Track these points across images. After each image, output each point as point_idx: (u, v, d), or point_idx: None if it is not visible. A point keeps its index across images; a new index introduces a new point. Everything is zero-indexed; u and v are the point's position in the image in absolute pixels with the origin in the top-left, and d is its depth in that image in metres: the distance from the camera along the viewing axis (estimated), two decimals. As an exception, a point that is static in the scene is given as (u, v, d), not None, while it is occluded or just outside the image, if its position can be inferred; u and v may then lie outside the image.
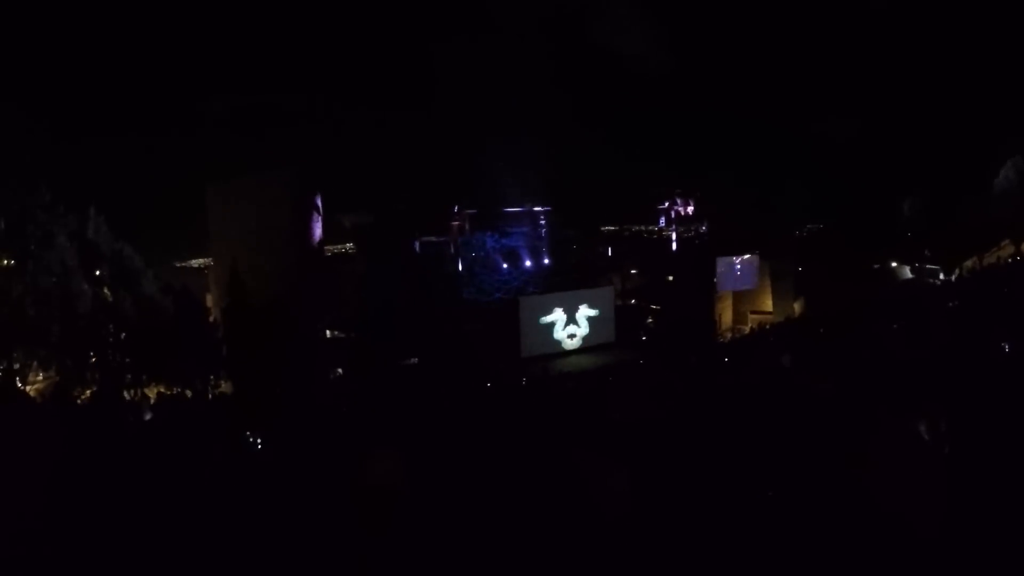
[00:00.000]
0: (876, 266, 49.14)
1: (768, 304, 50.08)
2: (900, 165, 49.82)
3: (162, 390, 33.05)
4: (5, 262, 34.80)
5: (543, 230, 51.56)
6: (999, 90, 45.85)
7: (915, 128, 50.06)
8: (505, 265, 48.84)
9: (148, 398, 27.84)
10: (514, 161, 49.48)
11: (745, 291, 50.17)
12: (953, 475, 4.28)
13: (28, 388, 31.30)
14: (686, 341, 37.56)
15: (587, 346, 43.43)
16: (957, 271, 42.37)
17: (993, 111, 45.98)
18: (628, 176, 58.44)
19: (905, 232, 49.42)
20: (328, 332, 42.69)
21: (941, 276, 44.52)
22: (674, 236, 52.49)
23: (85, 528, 4.73)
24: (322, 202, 43.70)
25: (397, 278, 41.72)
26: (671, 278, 49.70)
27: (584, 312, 43.76)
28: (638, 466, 4.56)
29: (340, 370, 39.37)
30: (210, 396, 32.31)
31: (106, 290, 36.67)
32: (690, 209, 52.84)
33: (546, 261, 50.34)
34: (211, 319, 39.40)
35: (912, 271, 48.19)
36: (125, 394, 29.30)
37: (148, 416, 10.98)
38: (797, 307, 48.27)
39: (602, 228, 56.79)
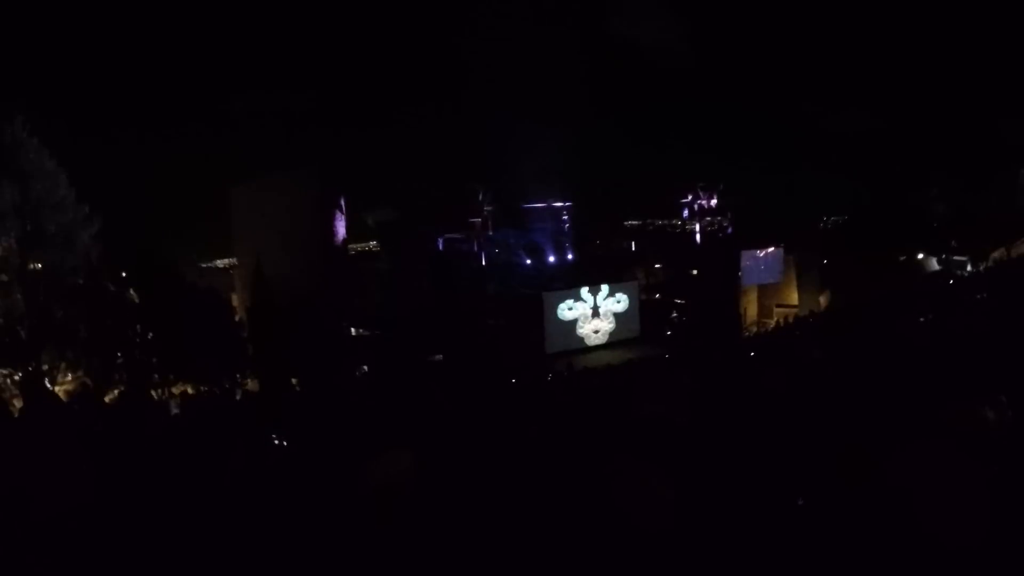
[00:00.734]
0: (902, 258, 48.60)
1: (794, 297, 49.68)
2: (925, 155, 49.31)
3: (189, 389, 33.35)
4: (31, 265, 35.19)
5: (566, 225, 51.54)
6: (1026, 78, 45.24)
7: (940, 118, 49.51)
8: (528, 261, 48.86)
9: (175, 396, 28.17)
10: (537, 156, 49.50)
11: (770, 285, 49.81)
12: (997, 480, 4.16)
13: (57, 389, 31.65)
14: (712, 336, 37.38)
15: (612, 341, 43.38)
16: (984, 262, 41.83)
17: (1020, 100, 45.36)
18: (651, 170, 58.41)
19: (931, 223, 48.85)
20: (353, 330, 42.87)
21: (968, 267, 43.98)
22: (698, 230, 52.19)
23: (114, 527, 4.75)
24: (345, 200, 43.87)
25: (421, 275, 41.81)
26: (695, 272, 49.45)
27: (609, 307, 43.70)
28: (677, 471, 4.49)
29: (365, 367, 39.51)
30: (237, 394, 32.50)
31: (132, 291, 36.97)
32: (713, 202, 52.57)
33: (569, 256, 50.31)
34: (237, 318, 39.67)
35: (939, 263, 47.63)
36: (153, 393, 29.65)
37: (175, 413, 11.06)
38: (823, 300, 47.85)
39: (625, 222, 56.59)
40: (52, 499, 4.87)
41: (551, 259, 49.54)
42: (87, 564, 4.38)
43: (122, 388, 31.30)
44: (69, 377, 33.66)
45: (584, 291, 43.13)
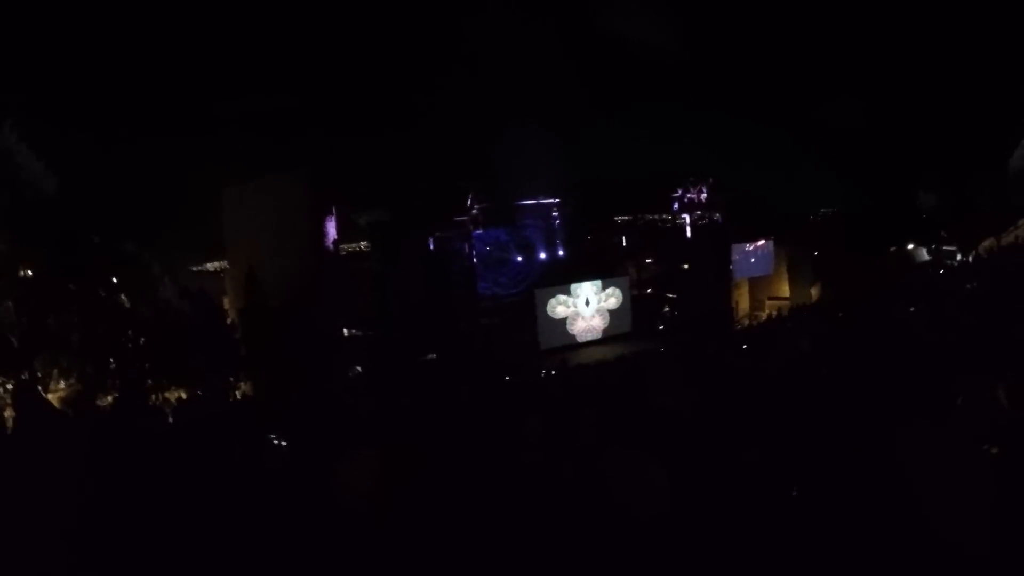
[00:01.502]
0: (892, 248, 48.78)
1: (785, 290, 49.85)
2: (914, 147, 49.33)
3: (182, 394, 33.28)
4: (22, 272, 35.05)
5: (557, 221, 51.54)
6: (1014, 71, 45.29)
7: (929, 109, 49.55)
8: (520, 258, 48.88)
9: (169, 402, 28.09)
10: (526, 153, 49.38)
11: (761, 277, 49.98)
12: (993, 469, 4.18)
13: (50, 396, 31.55)
14: (704, 329, 37.48)
15: (604, 337, 43.49)
16: (974, 252, 42.01)
17: (1008, 91, 45.44)
18: (640, 165, 58.14)
19: (920, 214, 49.03)
20: (345, 330, 42.83)
21: (959, 257, 44.17)
22: (688, 224, 52.26)
23: (108, 533, 4.75)
24: (337, 201, 43.78)
25: (413, 274, 41.79)
26: (687, 266, 49.55)
27: (600, 302, 43.80)
28: (676, 461, 4.50)
29: (359, 368, 39.48)
30: (230, 397, 32.50)
31: (123, 296, 36.86)
32: (703, 196, 52.58)
33: (561, 252, 50.34)
34: (228, 321, 39.61)
35: (929, 253, 47.83)
36: (145, 398, 29.55)
37: (169, 420, 11.03)
38: (814, 292, 48.02)
39: (616, 218, 56.57)
40: (48, 506, 4.88)
41: (542, 255, 49.58)
42: (84, 569, 4.39)
43: (115, 394, 31.26)
44: (62, 384, 33.55)
45: (575, 287, 43.17)
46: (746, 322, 46.22)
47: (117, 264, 38.22)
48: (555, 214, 51.66)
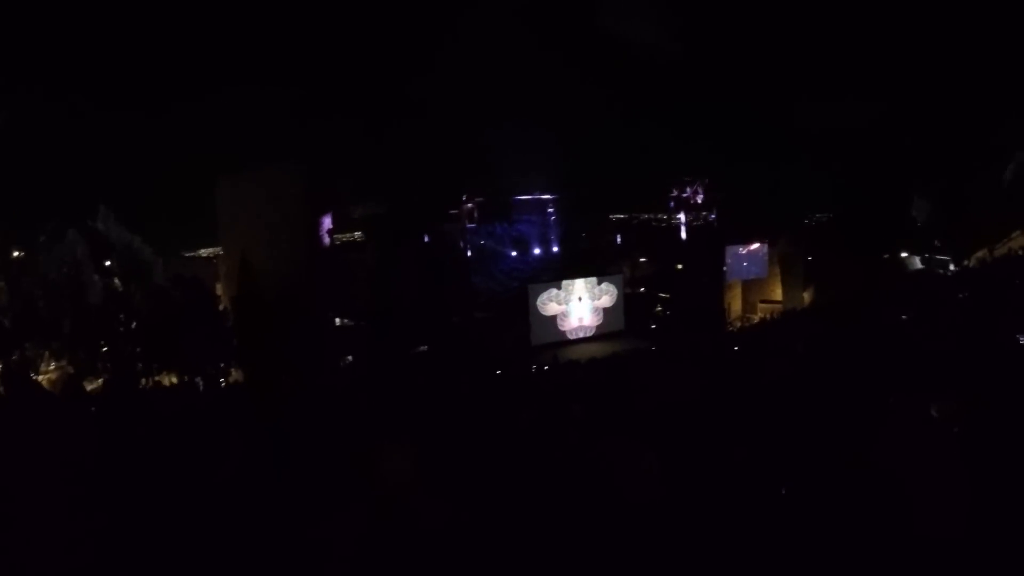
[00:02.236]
0: (885, 256, 48.96)
1: (778, 293, 49.96)
2: (910, 155, 49.53)
3: (173, 379, 33.27)
4: (15, 254, 35.01)
5: (552, 218, 51.63)
6: (1011, 81, 45.51)
7: (925, 118, 49.76)
8: (514, 253, 48.95)
9: (161, 385, 28.11)
10: (523, 149, 49.48)
11: (754, 280, 50.09)
12: (970, 466, 4.28)
13: (40, 378, 31.53)
14: (696, 330, 37.58)
15: (597, 334, 43.59)
16: (967, 262, 42.20)
17: (1004, 101, 45.66)
18: (637, 164, 58.32)
19: (915, 222, 49.20)
20: (338, 320, 42.82)
21: (951, 267, 44.36)
22: (683, 224, 52.36)
23: (101, 520, 4.78)
24: (332, 192, 43.74)
25: (407, 267, 41.79)
26: (680, 267, 49.66)
27: (594, 300, 43.89)
28: (664, 452, 4.59)
29: (350, 358, 39.48)
30: (221, 384, 32.54)
31: (116, 281, 36.82)
32: (699, 197, 52.69)
33: (555, 249, 50.42)
34: (221, 308, 39.53)
35: (922, 261, 48.03)
36: (135, 383, 29.58)
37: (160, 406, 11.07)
38: (807, 296, 48.16)
39: (611, 216, 56.71)
40: (38, 488, 4.91)
41: (537, 251, 49.66)
42: (77, 549, 4.43)
43: (105, 377, 31.24)
44: (52, 367, 33.53)
45: (569, 283, 43.23)
46: (738, 324, 46.34)
47: (111, 249, 38.15)
48: (551, 210, 51.75)
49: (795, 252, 50.21)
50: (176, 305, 36.04)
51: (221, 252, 46.06)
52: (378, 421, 9.16)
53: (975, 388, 6.53)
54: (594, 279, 44.40)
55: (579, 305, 43.40)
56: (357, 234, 49.99)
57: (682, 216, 52.49)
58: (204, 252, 51.40)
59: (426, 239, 45.86)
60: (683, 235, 52.10)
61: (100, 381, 31.08)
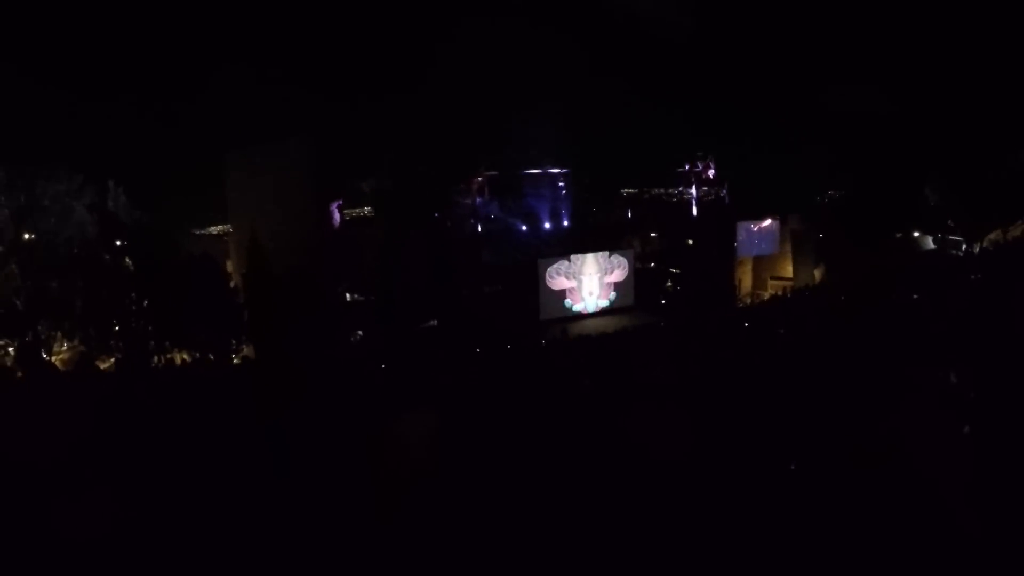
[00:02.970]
0: (898, 235, 48.67)
1: (789, 270, 49.79)
2: (925, 135, 49.03)
3: (185, 357, 33.47)
4: (27, 235, 35.15)
5: (562, 192, 51.48)
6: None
7: (941, 98, 49.20)
8: (524, 227, 48.87)
9: (174, 363, 28.30)
10: (534, 123, 49.20)
11: (765, 257, 49.92)
12: (978, 446, 4.28)
13: (53, 358, 31.79)
14: (706, 305, 37.54)
15: (606, 309, 43.60)
16: (980, 243, 41.95)
17: (1021, 82, 45.10)
18: (649, 139, 57.83)
19: (928, 202, 48.84)
20: (348, 296, 42.91)
21: (964, 247, 44.10)
22: (694, 199, 52.14)
23: (111, 496, 4.83)
24: (341, 166, 43.69)
25: (416, 241, 41.78)
26: (691, 242, 49.51)
27: (604, 275, 43.86)
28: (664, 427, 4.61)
29: (360, 333, 39.60)
30: (233, 361, 32.75)
31: (127, 259, 36.94)
32: (711, 172, 52.42)
33: (565, 224, 50.30)
34: (232, 285, 39.62)
35: (935, 241, 47.74)
36: (147, 361, 29.83)
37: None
38: (818, 274, 47.98)
39: (622, 191, 56.47)
40: (48, 464, 4.96)
41: (547, 226, 49.56)
42: (89, 523, 4.48)
43: (118, 356, 31.51)
44: (65, 347, 33.78)
45: (579, 258, 43.17)
46: (748, 300, 46.25)
47: (121, 227, 38.24)
48: (561, 185, 51.60)
49: (807, 230, 49.99)
50: (186, 283, 36.11)
51: (231, 229, 46.14)
52: (394, 394, 9.23)
53: (985, 368, 6.53)
54: (604, 253, 44.32)
55: (589, 280, 43.38)
56: (367, 209, 49.96)
57: (693, 191, 52.26)
58: (214, 229, 51.42)
59: (436, 214, 45.80)
60: (694, 211, 51.90)
61: (112, 360, 31.36)
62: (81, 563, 4.25)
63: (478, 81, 55.55)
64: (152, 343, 33.87)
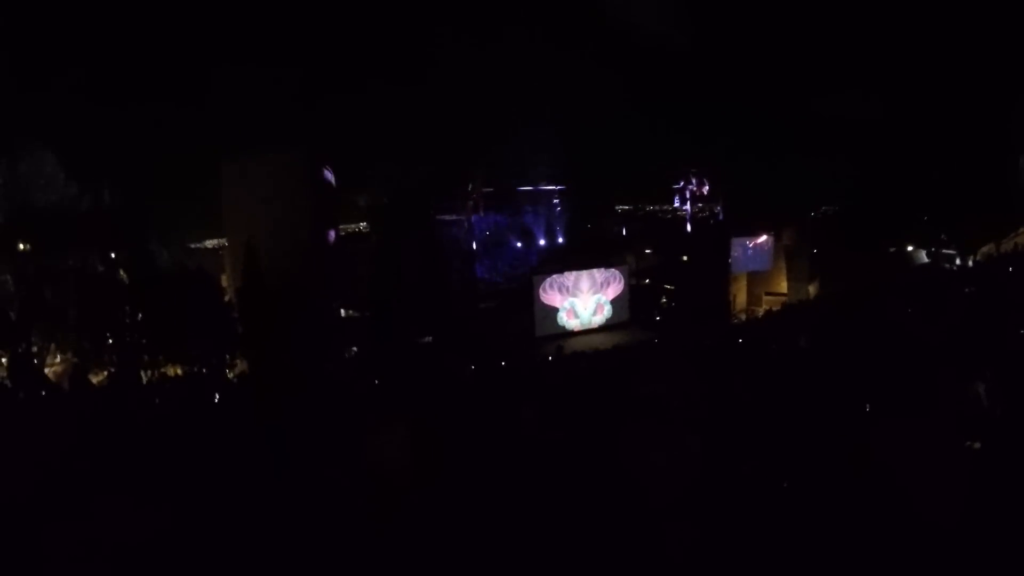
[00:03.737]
0: (892, 249, 48.78)
1: (783, 286, 49.86)
2: (917, 148, 49.28)
3: (179, 370, 33.36)
4: (21, 246, 35.05)
5: (557, 209, 51.59)
6: (1019, 74, 45.19)
7: (933, 111, 49.50)
8: (519, 244, 48.92)
9: (167, 376, 28.16)
10: (529, 140, 49.37)
11: (759, 272, 49.99)
12: (972, 463, 4.27)
13: (47, 370, 31.64)
14: (701, 321, 37.54)
15: (601, 325, 43.52)
16: (974, 256, 42.04)
17: (1013, 95, 45.36)
18: (643, 155, 58.09)
19: (921, 216, 48.97)
20: (343, 311, 42.86)
21: (958, 261, 44.19)
22: (689, 216, 52.28)
23: (105, 509, 4.79)
24: (336, 181, 43.73)
25: (411, 257, 41.77)
26: (686, 258, 49.57)
27: (598, 291, 43.81)
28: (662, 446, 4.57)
29: (355, 348, 39.53)
30: (227, 375, 32.64)
31: (122, 272, 36.87)
32: (705, 189, 52.60)
33: (560, 240, 50.37)
34: (226, 299, 39.59)
35: (928, 255, 47.83)
36: (143, 375, 29.67)
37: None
38: (812, 289, 48.04)
39: (617, 207, 56.62)
40: (38, 477, 4.93)
41: (542, 242, 49.62)
42: (79, 536, 4.44)
43: (111, 369, 31.38)
44: (58, 359, 33.63)
45: (574, 274, 43.12)
46: (743, 316, 46.28)
47: (116, 240, 38.22)
48: (556, 201, 51.72)
49: (800, 245, 50.10)
50: (181, 296, 36.08)
51: (226, 244, 46.15)
52: (375, 409, 9.18)
53: (976, 382, 6.51)
54: (599, 270, 44.29)
55: (584, 296, 43.33)
56: (362, 225, 50.00)
57: (687, 208, 52.41)
58: (209, 243, 51.44)
59: (431, 230, 45.86)
60: (688, 227, 52.04)
61: (105, 373, 31.27)
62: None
63: (474, 98, 55.76)
64: (146, 356, 33.75)
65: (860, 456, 4.52)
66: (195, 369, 32.96)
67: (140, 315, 35.29)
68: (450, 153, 51.55)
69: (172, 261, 41.18)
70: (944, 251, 46.55)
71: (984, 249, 41.35)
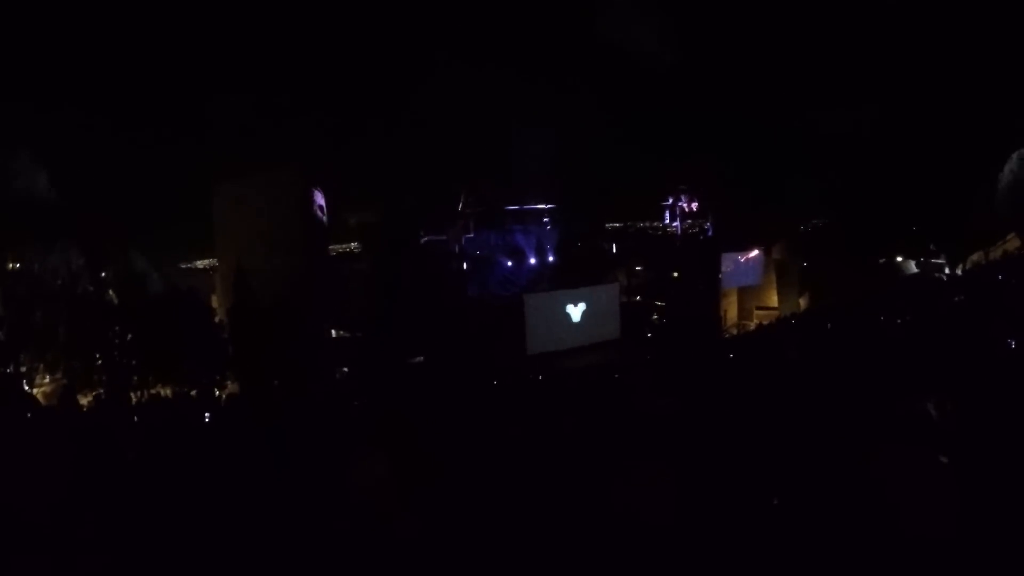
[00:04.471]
0: (881, 260, 48.97)
1: (773, 300, 50.00)
2: (904, 159, 49.57)
3: (168, 392, 33.24)
4: (11, 265, 34.94)
5: (548, 227, 51.62)
6: (1004, 83, 45.59)
7: (919, 121, 49.81)
8: (510, 263, 48.90)
9: (158, 397, 28.00)
10: (519, 159, 49.47)
11: (750, 287, 50.11)
12: (960, 474, 4.28)
13: (35, 390, 31.45)
14: (692, 337, 37.58)
15: (593, 342, 43.46)
16: (963, 265, 42.26)
17: (998, 104, 45.73)
18: (632, 172, 58.19)
19: (910, 226, 49.21)
20: (334, 332, 42.76)
21: (947, 270, 44.40)
22: (679, 232, 52.42)
23: (94, 532, 4.77)
24: (327, 201, 43.75)
25: (403, 277, 41.75)
26: (676, 274, 49.65)
27: (589, 309, 43.80)
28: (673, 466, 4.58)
29: (345, 369, 39.42)
30: (217, 396, 32.52)
31: (112, 292, 36.78)
32: (695, 205, 52.76)
33: (551, 259, 50.38)
34: (217, 320, 39.49)
35: (917, 265, 48.05)
36: (132, 396, 29.52)
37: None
38: (802, 302, 48.20)
39: (607, 225, 56.69)
40: (29, 498, 4.90)
41: (532, 261, 49.61)
42: (68, 561, 4.42)
43: (100, 391, 31.22)
44: (47, 379, 33.44)
45: (564, 293, 43.15)
46: (734, 331, 46.34)
47: (107, 260, 38.13)
48: (546, 220, 51.76)
49: (790, 258, 50.29)
50: (172, 317, 35.98)
51: (217, 264, 46.04)
52: (361, 431, 9.15)
53: (968, 392, 6.54)
54: (590, 288, 44.34)
55: (575, 314, 43.32)
56: (353, 245, 49.97)
57: (677, 224, 52.56)
58: (200, 263, 51.32)
59: (422, 249, 45.86)
60: (678, 243, 52.15)
61: (94, 395, 31.12)
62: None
63: (464, 117, 55.92)
64: (135, 377, 33.60)
65: (851, 471, 4.53)
66: (185, 390, 32.84)
67: (130, 335, 35.16)
68: (440, 173, 51.61)
69: (163, 281, 41.01)
70: (933, 261, 46.78)
71: (973, 257, 41.58)
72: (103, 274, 37.52)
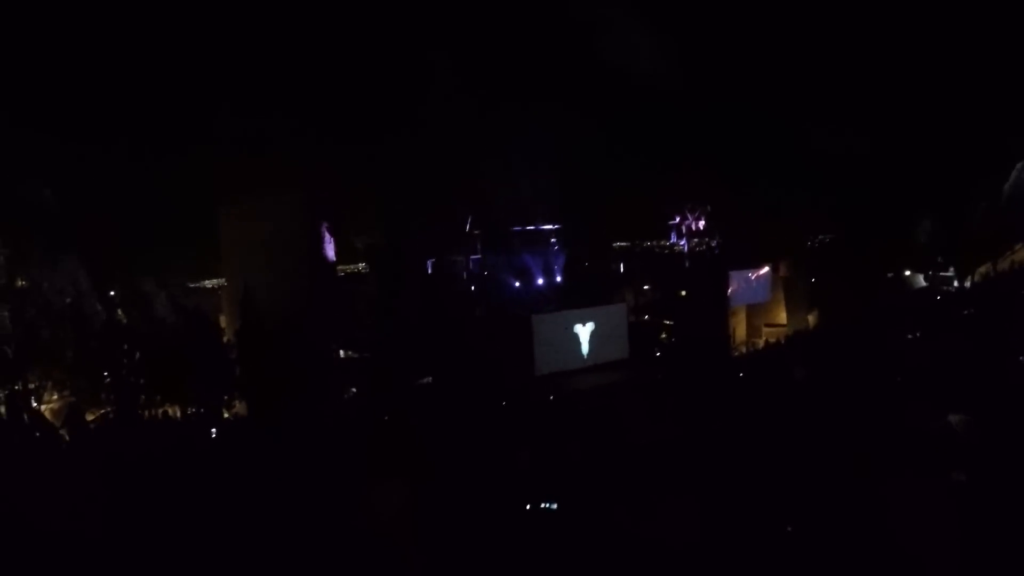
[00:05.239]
0: (889, 275, 48.80)
1: (782, 317, 49.77)
2: (910, 172, 49.53)
3: (176, 411, 33.33)
4: (19, 283, 35.20)
5: (555, 248, 51.62)
6: (1008, 95, 45.61)
7: (924, 135, 49.82)
8: (517, 283, 48.86)
9: (166, 416, 28.07)
10: (525, 180, 49.55)
11: (758, 304, 49.92)
12: (974, 490, 4.23)
13: (43, 408, 31.53)
14: (701, 357, 37.40)
15: (601, 362, 43.26)
16: (971, 278, 42.12)
17: (1002, 116, 45.74)
18: (639, 192, 58.30)
19: (917, 240, 49.10)
20: (342, 352, 42.73)
21: (955, 283, 44.25)
22: (686, 251, 52.37)
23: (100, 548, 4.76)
24: (334, 223, 43.83)
25: (410, 298, 41.74)
26: (684, 293, 49.52)
27: (597, 329, 43.64)
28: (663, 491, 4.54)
29: (354, 390, 39.33)
30: (225, 416, 32.62)
31: (120, 311, 36.94)
32: (701, 223, 52.75)
33: (558, 279, 50.33)
34: (225, 340, 39.53)
35: (926, 279, 47.88)
36: (143, 414, 29.63)
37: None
38: (811, 319, 47.99)
39: (614, 244, 56.69)
40: (37, 517, 4.88)
41: (540, 281, 49.55)
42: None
43: (107, 409, 31.38)
44: (55, 397, 33.56)
45: (572, 313, 43.01)
46: (743, 349, 46.15)
47: (114, 279, 38.37)
48: (553, 240, 51.79)
49: (798, 275, 50.12)
50: (179, 336, 36.07)
51: (224, 283, 46.13)
52: (375, 457, 9.11)
53: (983, 409, 6.49)
54: (598, 308, 44.18)
55: (583, 334, 43.16)
56: (361, 265, 50.08)
57: (684, 242, 52.51)
58: (209, 283, 51.52)
59: (429, 270, 45.89)
60: (686, 262, 52.08)
61: (101, 412, 31.25)
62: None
63: (470, 139, 56.09)
64: (143, 396, 33.68)
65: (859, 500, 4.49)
66: (193, 410, 32.94)
67: (138, 354, 35.28)
68: (447, 194, 51.71)
69: (170, 301, 41.12)
70: (941, 274, 46.65)
71: (981, 269, 41.45)
72: (111, 293, 37.72)
